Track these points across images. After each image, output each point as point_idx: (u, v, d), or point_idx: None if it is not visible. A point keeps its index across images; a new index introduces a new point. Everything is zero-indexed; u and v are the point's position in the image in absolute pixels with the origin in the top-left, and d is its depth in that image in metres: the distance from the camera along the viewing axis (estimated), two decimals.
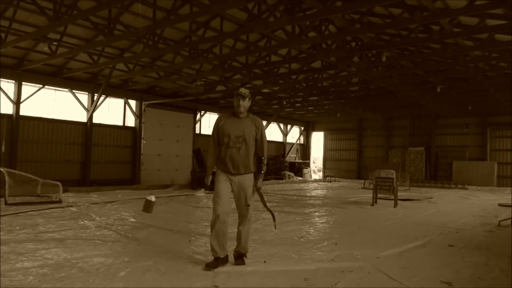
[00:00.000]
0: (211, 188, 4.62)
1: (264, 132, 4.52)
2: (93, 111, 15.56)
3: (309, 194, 14.46)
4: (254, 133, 4.39)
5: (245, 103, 4.44)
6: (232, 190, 4.41)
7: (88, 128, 15.56)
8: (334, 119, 26.03)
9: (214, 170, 4.52)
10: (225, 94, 18.07)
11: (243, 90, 4.45)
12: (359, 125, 26.52)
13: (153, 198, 5.02)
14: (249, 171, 4.40)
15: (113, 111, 17.05)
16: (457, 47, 10.21)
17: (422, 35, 10.61)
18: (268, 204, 4.80)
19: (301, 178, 24.13)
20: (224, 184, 4.35)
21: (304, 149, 29.21)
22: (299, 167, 25.88)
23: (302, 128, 28.86)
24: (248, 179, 4.38)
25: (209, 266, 4.15)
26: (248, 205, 4.37)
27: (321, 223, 7.78)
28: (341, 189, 17.40)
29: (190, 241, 5.65)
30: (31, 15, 10.57)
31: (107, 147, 16.37)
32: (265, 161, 4.53)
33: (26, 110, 13.95)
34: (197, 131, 20.39)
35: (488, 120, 21.81)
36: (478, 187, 19.26)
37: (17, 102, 13.60)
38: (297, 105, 20.92)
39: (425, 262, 4.70)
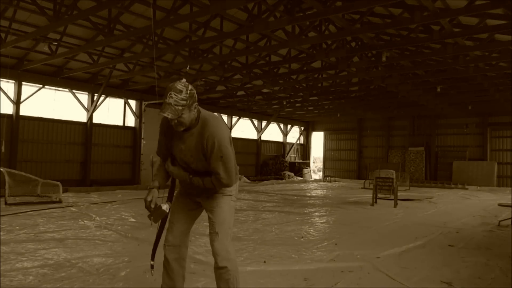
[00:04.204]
0: (163, 217, 2.98)
1: (224, 147, 2.59)
2: (93, 111, 15.56)
3: (309, 194, 14.46)
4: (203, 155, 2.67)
5: (184, 115, 2.50)
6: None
7: (88, 128, 15.56)
8: (334, 119, 26.04)
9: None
10: (225, 94, 18.08)
11: (173, 89, 2.45)
12: (359, 125, 26.50)
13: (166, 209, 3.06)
14: (221, 191, 2.85)
15: (113, 111, 17.03)
16: (457, 47, 10.21)
17: (422, 35, 10.61)
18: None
19: (301, 178, 24.15)
20: (183, 199, 3.09)
21: (304, 149, 29.20)
22: (299, 167, 25.89)
23: (302, 128, 28.85)
24: (219, 198, 2.85)
25: None
26: (216, 233, 2.78)
27: (321, 223, 7.78)
28: (341, 189, 17.39)
29: (190, 241, 5.62)
30: (31, 15, 10.57)
31: (107, 147, 16.36)
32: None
33: (26, 110, 13.94)
34: None
35: (488, 120, 21.79)
36: (478, 187, 19.26)
37: (17, 102, 13.60)
38: (297, 105, 20.93)
39: (425, 262, 4.69)
